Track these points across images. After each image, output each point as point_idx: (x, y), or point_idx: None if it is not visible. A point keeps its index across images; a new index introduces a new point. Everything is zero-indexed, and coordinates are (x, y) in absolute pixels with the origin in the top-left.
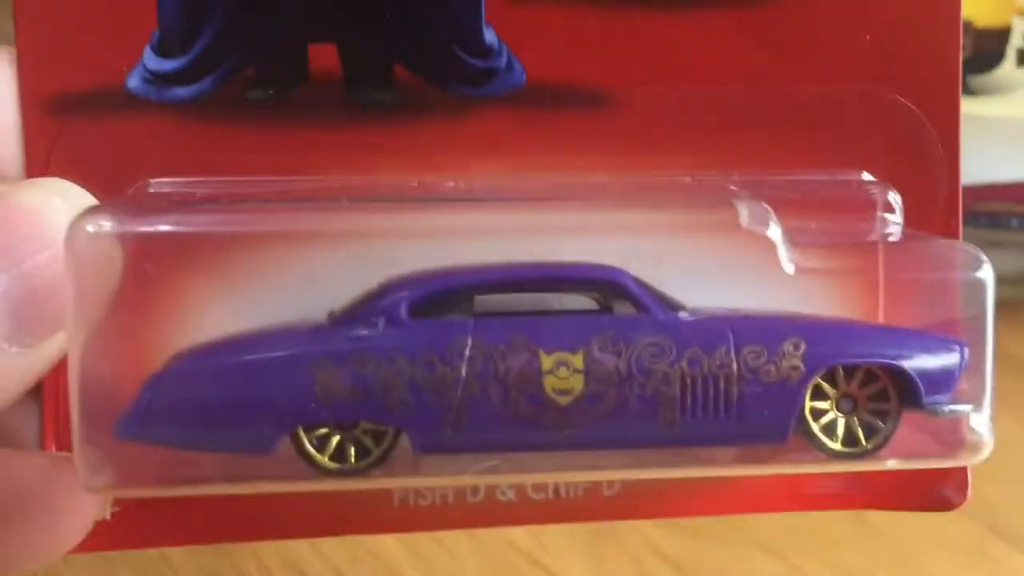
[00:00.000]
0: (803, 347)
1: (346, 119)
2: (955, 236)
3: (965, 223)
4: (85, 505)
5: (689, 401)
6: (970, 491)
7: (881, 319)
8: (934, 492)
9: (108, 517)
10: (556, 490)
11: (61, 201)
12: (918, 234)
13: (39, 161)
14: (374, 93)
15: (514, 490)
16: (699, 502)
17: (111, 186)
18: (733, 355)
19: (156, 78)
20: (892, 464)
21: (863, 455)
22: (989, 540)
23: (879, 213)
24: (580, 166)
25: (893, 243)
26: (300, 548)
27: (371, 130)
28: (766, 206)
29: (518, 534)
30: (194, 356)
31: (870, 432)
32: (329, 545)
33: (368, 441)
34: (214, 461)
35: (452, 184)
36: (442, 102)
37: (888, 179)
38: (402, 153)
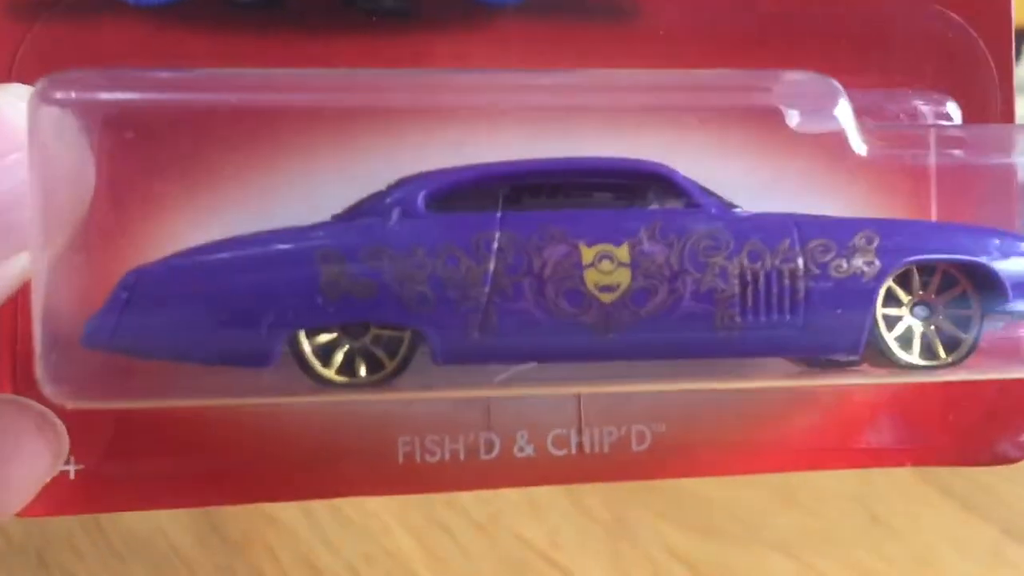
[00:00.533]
0: (877, 241)
1: (346, 27)
2: None
3: None
4: (37, 454)
5: (750, 300)
6: None
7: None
8: (990, 447)
9: (71, 475)
10: (580, 445)
11: (26, 106)
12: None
13: (1, 68)
14: None
15: (533, 445)
16: (737, 460)
17: None
18: (798, 248)
19: None
20: (964, 375)
21: (943, 368)
22: (1004, 541)
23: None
24: None
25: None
26: (315, 546)
27: (374, 40)
28: (833, 82)
29: (533, 532)
30: (180, 254)
31: (952, 343)
32: (344, 543)
33: (380, 352)
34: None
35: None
36: (452, 10)
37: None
38: (409, 66)
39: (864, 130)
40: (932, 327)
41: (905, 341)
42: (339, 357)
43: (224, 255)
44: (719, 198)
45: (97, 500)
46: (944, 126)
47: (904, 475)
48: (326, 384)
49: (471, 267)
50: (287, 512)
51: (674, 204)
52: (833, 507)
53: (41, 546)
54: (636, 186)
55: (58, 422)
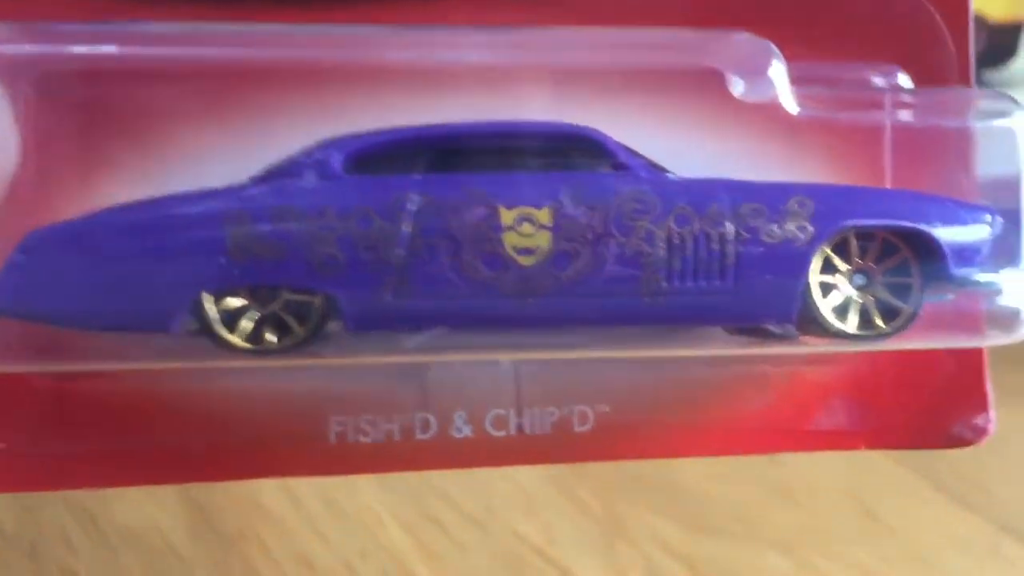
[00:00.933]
0: (811, 205)
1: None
2: None
3: None
4: None
5: (678, 264)
6: (992, 426)
7: (892, 179)
8: (946, 430)
9: None
10: (520, 426)
11: None
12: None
13: None
14: None
15: (471, 426)
16: (684, 441)
17: None
18: (729, 212)
19: None
20: (912, 344)
21: (882, 337)
22: (1001, 538)
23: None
24: None
25: (906, 90)
26: (309, 541)
27: (331, 15)
28: (769, 44)
29: (527, 528)
30: (83, 216)
31: (891, 312)
32: (338, 537)
33: (290, 319)
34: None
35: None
36: None
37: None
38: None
39: (803, 94)
40: (870, 296)
41: (841, 310)
42: (247, 324)
43: (128, 216)
44: (648, 161)
45: (17, 480)
46: (895, 90)
47: (901, 471)
48: (233, 351)
49: (384, 228)
50: (281, 506)
51: (602, 167)
52: (829, 503)
53: (34, 538)
54: (563, 149)
55: None
